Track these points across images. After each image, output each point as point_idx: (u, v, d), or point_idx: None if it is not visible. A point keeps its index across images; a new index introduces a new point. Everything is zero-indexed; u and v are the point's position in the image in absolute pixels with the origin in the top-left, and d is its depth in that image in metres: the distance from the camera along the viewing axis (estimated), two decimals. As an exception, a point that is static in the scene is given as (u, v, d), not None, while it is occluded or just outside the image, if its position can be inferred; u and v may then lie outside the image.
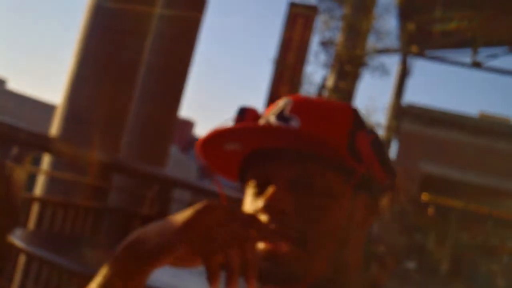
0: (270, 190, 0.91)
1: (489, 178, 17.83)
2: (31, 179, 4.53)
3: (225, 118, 0.98)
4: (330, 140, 0.89)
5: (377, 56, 14.51)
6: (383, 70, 14.37)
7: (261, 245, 0.88)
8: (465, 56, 18.16)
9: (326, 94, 13.50)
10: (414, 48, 18.07)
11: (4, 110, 15.48)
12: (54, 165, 5.00)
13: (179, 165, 19.15)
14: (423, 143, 17.95)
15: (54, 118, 5.25)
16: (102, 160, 4.60)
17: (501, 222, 19.19)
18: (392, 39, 15.35)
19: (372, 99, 26.32)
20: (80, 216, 4.40)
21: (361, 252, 0.97)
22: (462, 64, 18.54)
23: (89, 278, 0.86)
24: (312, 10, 14.34)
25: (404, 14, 15.59)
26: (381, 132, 14.95)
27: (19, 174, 3.38)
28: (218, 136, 0.92)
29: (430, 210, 19.66)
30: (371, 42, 14.21)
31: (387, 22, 15.22)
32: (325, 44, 14.16)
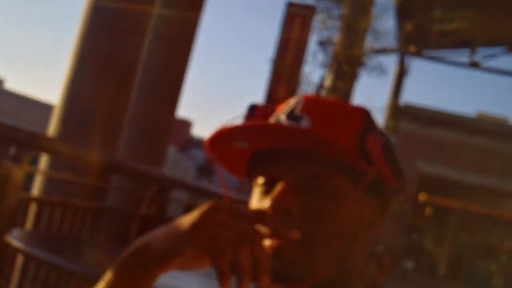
0: (276, 189, 0.90)
1: (487, 178, 17.85)
2: (29, 179, 4.53)
3: (235, 115, 0.97)
4: (340, 142, 0.89)
5: (375, 56, 14.54)
6: (381, 70, 14.41)
7: (267, 243, 0.87)
8: (463, 56, 18.19)
9: (323, 94, 13.51)
10: (412, 48, 18.08)
11: (2, 110, 15.47)
12: (52, 165, 4.99)
13: (177, 165, 19.15)
14: (421, 143, 17.97)
15: (52, 118, 5.25)
16: (100, 160, 4.60)
17: (500, 222, 19.22)
18: (390, 39, 15.39)
19: (370, 99, 26.35)
20: (78, 216, 4.40)
21: (366, 254, 0.97)
22: (460, 64, 18.57)
23: (88, 278, 0.85)
24: (310, 10, 14.35)
25: (402, 14, 15.60)
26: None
27: (17, 174, 3.38)
28: (226, 134, 0.92)
29: (428, 210, 19.68)
30: (369, 42, 14.24)
31: (385, 22, 15.27)
32: (323, 44, 14.17)
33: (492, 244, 19.67)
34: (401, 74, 18.88)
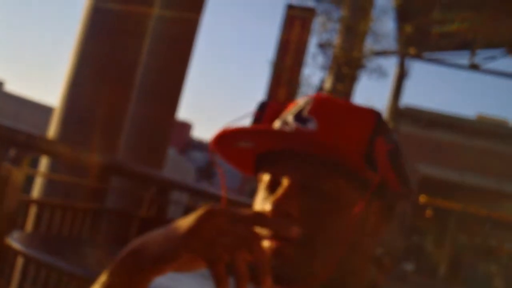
0: (278, 192, 0.90)
1: (487, 180, 17.85)
2: (29, 181, 4.53)
3: (245, 112, 0.97)
4: (346, 147, 0.88)
5: (375, 58, 14.54)
6: (381, 72, 14.40)
7: (266, 245, 0.87)
8: (463, 58, 18.19)
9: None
10: (411, 50, 18.08)
11: (2, 112, 15.47)
12: (52, 167, 4.99)
13: (177, 167, 19.14)
14: (421, 145, 17.97)
15: (52, 120, 5.25)
16: (100, 161, 4.60)
17: (499, 223, 19.22)
18: (389, 41, 15.38)
19: (370, 101, 26.34)
20: (78, 218, 4.39)
21: (369, 259, 0.96)
22: (460, 66, 18.56)
23: (88, 280, 0.85)
24: (310, 12, 14.36)
25: (402, 16, 15.60)
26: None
27: (17, 176, 3.38)
28: (231, 135, 0.91)
29: (428, 212, 19.68)
30: (369, 44, 14.24)
31: (384, 24, 15.26)
32: (323, 46, 14.17)
33: (492, 245, 19.67)
34: (401, 76, 18.87)
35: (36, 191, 5.02)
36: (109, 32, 5.25)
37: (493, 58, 17.70)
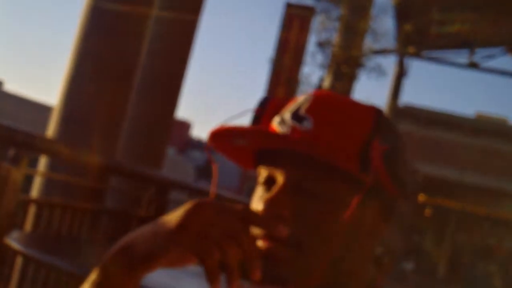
0: (271, 192, 0.89)
1: (487, 178, 17.85)
2: (28, 181, 4.52)
3: (246, 109, 0.97)
4: (341, 147, 0.87)
5: (374, 57, 14.53)
6: (380, 71, 14.40)
7: (257, 244, 0.86)
8: (462, 56, 18.19)
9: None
10: (411, 49, 18.08)
11: (1, 112, 15.47)
12: (51, 167, 4.99)
13: (176, 166, 19.15)
14: (420, 144, 17.96)
15: (51, 119, 5.24)
16: (99, 161, 4.60)
17: (499, 223, 19.21)
18: (388, 40, 15.37)
19: (369, 100, 26.34)
20: (77, 218, 4.39)
21: (368, 260, 0.95)
22: (459, 65, 18.56)
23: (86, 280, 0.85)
24: (309, 11, 14.36)
25: (401, 15, 15.60)
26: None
27: (16, 175, 3.37)
28: (226, 133, 0.91)
29: (428, 211, 19.68)
30: (368, 43, 14.23)
31: (383, 23, 15.21)
32: (322, 44, 14.17)
33: (491, 244, 19.67)
34: (400, 75, 18.87)
35: (35, 190, 5.02)
36: (108, 32, 5.25)
37: (492, 56, 17.70)
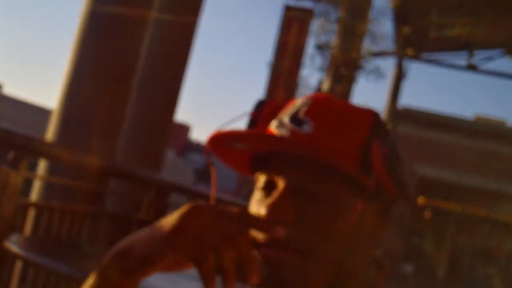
0: (272, 197, 0.89)
1: (486, 180, 17.86)
2: (27, 184, 4.52)
3: (241, 113, 0.96)
4: (341, 150, 0.87)
5: (373, 59, 14.55)
6: (379, 73, 14.42)
7: (259, 252, 0.85)
8: (461, 59, 18.21)
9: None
10: (409, 51, 18.10)
11: (0, 115, 15.47)
12: (51, 170, 4.99)
13: (176, 169, 19.14)
14: (419, 146, 17.97)
15: (50, 122, 5.24)
16: (98, 164, 4.59)
17: (498, 224, 19.22)
18: (387, 42, 15.40)
19: (368, 102, 26.34)
20: (76, 221, 4.39)
21: (368, 262, 0.95)
22: (458, 67, 18.58)
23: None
24: (308, 14, 14.36)
25: (400, 17, 15.61)
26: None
27: (15, 179, 3.37)
28: (225, 137, 0.91)
29: (427, 213, 19.68)
30: (367, 45, 14.24)
31: (382, 25, 15.24)
32: (321, 47, 14.17)
33: (491, 246, 19.67)
34: (399, 77, 18.88)
35: (35, 194, 5.01)
36: (107, 34, 5.25)
37: (490, 58, 17.72)
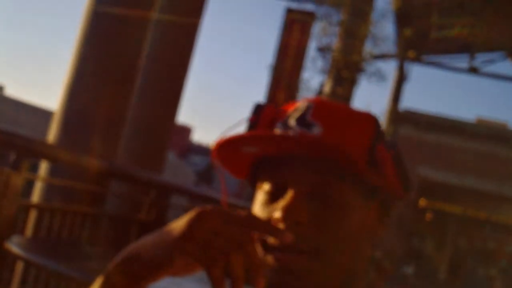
0: (286, 199, 0.88)
1: (487, 183, 17.85)
2: (29, 186, 4.52)
3: (240, 118, 0.96)
4: (352, 152, 0.87)
5: (374, 62, 14.54)
6: (380, 76, 14.42)
7: (271, 258, 0.85)
8: (462, 61, 18.22)
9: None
10: (411, 54, 18.10)
11: (2, 117, 15.48)
12: (52, 172, 4.99)
13: (177, 171, 19.14)
14: (421, 148, 17.97)
15: (51, 124, 5.25)
16: (99, 166, 4.60)
17: (499, 227, 19.21)
18: (389, 45, 15.42)
19: (369, 104, 26.33)
20: (77, 222, 4.39)
21: (367, 261, 0.95)
22: (459, 70, 18.58)
23: (87, 284, 0.85)
24: (309, 16, 14.37)
25: (401, 20, 15.62)
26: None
27: (16, 180, 3.38)
28: (234, 141, 0.90)
29: (428, 215, 19.67)
30: (368, 48, 14.25)
31: (384, 28, 15.24)
32: (322, 50, 14.18)
33: (491, 248, 19.65)
34: (401, 79, 18.89)
35: (36, 195, 5.02)
36: (108, 36, 5.26)
37: (492, 61, 17.73)
